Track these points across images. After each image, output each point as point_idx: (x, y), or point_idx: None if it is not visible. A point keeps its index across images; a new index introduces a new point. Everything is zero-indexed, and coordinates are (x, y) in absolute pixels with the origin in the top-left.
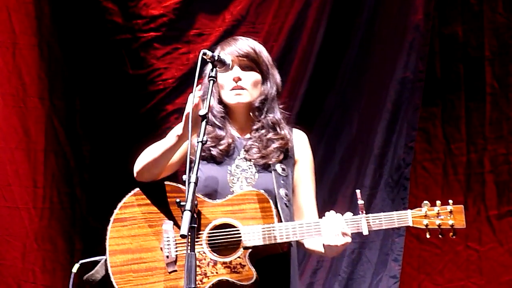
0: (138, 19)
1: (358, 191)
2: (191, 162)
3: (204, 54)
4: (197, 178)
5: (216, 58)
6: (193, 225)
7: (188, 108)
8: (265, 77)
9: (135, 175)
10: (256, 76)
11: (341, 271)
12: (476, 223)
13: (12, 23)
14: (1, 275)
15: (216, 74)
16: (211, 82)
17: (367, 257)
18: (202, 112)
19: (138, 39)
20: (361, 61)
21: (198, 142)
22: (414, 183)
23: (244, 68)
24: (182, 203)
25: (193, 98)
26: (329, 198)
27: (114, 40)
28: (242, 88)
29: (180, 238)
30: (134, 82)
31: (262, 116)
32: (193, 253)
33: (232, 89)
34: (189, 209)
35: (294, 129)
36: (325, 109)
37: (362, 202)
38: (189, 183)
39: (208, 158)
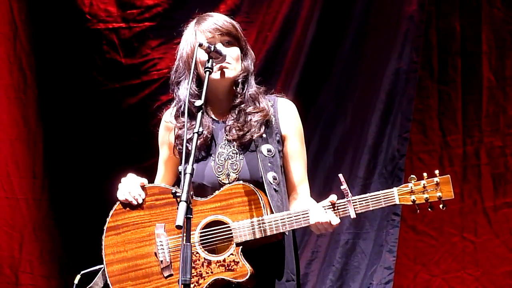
0: (132, 9)
1: (340, 175)
2: (187, 153)
3: (200, 45)
4: (193, 169)
5: (212, 49)
6: (188, 216)
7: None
8: (244, 52)
9: None
10: (237, 51)
11: (335, 262)
12: (472, 214)
13: (13, 15)
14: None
15: (212, 64)
16: (207, 73)
17: (361, 248)
18: (198, 103)
19: (132, 29)
20: (355, 51)
21: (194, 133)
22: (410, 174)
23: (226, 44)
24: (177, 194)
25: (188, 89)
26: (323, 189)
27: (107, 29)
28: (229, 64)
29: (172, 241)
30: (127, 71)
31: (243, 91)
32: (188, 243)
33: (218, 68)
34: (184, 200)
35: (279, 100)
36: (319, 100)
37: (345, 186)
38: (184, 174)
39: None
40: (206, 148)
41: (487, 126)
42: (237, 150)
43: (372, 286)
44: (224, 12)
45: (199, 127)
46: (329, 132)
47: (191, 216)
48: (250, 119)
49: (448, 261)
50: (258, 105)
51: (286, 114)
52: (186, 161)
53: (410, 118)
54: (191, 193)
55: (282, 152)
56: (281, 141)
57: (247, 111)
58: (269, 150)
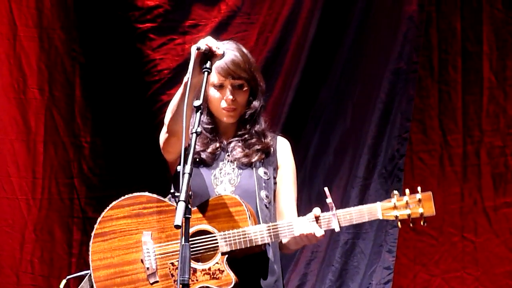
0: (134, 10)
1: (326, 188)
2: (185, 152)
3: (198, 49)
4: (191, 169)
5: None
6: (187, 215)
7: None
8: (254, 93)
9: (161, 145)
10: (247, 94)
11: (335, 261)
12: (472, 214)
13: (13, 15)
14: (0, 266)
15: (211, 66)
16: (206, 73)
17: (361, 248)
18: (197, 103)
19: (134, 31)
20: (355, 51)
21: (191, 133)
22: (410, 175)
23: (236, 87)
24: (176, 194)
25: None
26: (323, 189)
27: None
28: (234, 109)
29: (159, 249)
30: (131, 73)
31: (248, 127)
32: (187, 244)
33: (224, 108)
34: (183, 199)
35: (278, 137)
36: (319, 99)
37: (330, 201)
38: (183, 174)
39: (198, 162)
40: (215, 159)
41: (488, 126)
42: (236, 168)
43: (372, 286)
44: (225, 13)
45: (198, 126)
46: (329, 132)
47: (190, 216)
48: (253, 146)
49: (448, 261)
50: (262, 139)
51: (283, 149)
52: (185, 161)
53: (410, 118)
54: (190, 193)
55: (276, 179)
56: (276, 169)
57: (250, 141)
58: (265, 173)
